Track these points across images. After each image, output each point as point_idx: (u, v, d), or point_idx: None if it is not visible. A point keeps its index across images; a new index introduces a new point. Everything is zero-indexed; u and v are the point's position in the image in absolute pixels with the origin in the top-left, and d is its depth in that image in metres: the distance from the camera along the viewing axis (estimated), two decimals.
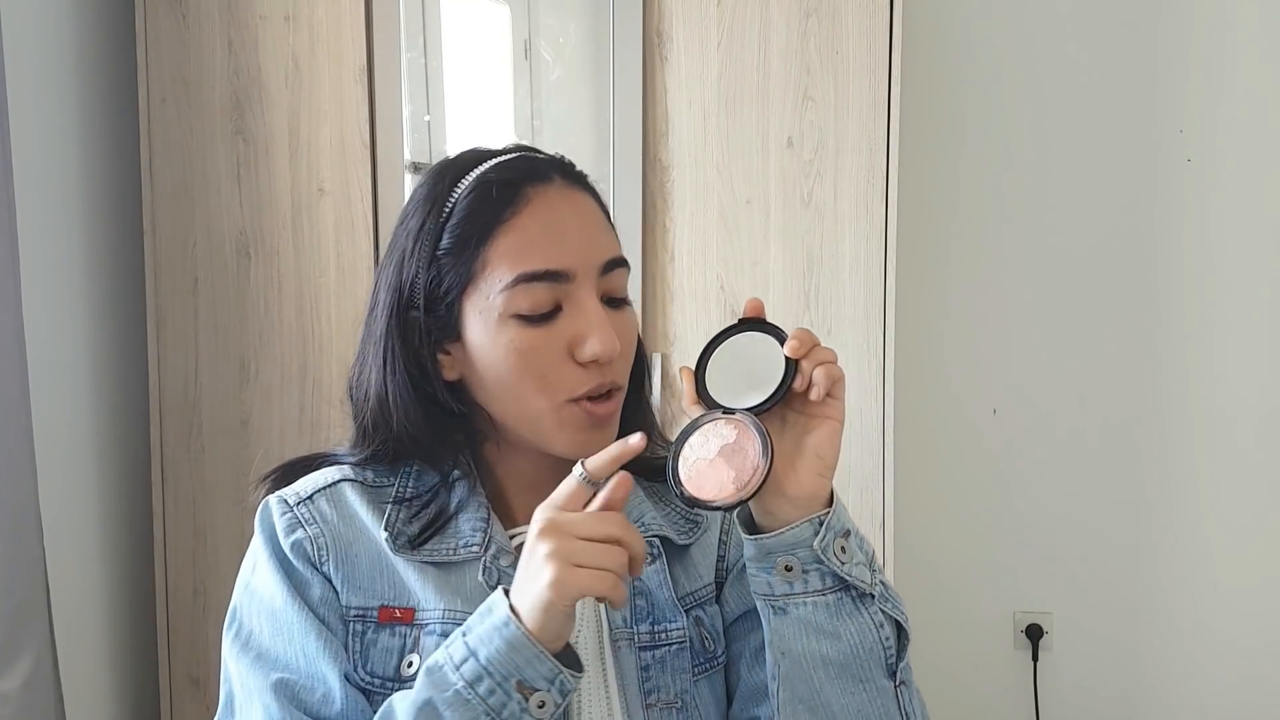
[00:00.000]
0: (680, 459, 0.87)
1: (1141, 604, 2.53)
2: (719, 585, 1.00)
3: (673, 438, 0.90)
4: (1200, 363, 2.47)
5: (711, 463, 0.86)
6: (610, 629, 0.93)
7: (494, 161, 0.94)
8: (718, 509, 0.86)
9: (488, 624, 0.82)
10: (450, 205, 0.92)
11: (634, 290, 2.00)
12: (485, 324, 0.91)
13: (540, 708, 0.80)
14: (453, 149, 2.14)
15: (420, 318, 0.93)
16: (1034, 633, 2.53)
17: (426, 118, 2.16)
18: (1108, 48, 2.45)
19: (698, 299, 2.06)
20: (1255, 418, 2.47)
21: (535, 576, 0.80)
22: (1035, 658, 2.54)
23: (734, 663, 0.99)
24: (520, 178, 0.92)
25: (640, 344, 1.01)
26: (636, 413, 1.01)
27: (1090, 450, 2.51)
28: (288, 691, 0.88)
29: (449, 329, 0.93)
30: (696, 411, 0.89)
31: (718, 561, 1.01)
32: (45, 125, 2.00)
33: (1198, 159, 2.44)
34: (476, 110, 2.23)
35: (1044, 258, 2.49)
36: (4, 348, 1.76)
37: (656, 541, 0.97)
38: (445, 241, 0.92)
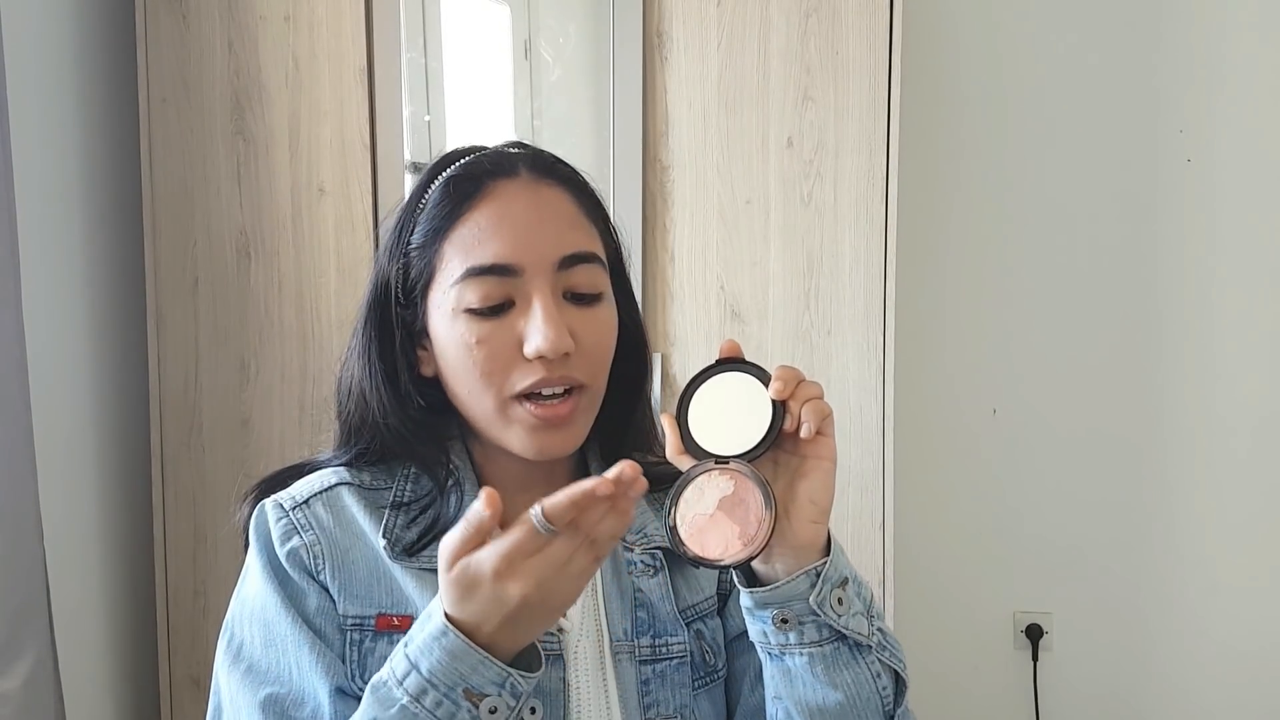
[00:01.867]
0: (678, 515, 0.84)
1: (1141, 604, 2.53)
2: (721, 598, 0.99)
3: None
4: (1200, 363, 2.47)
5: (712, 517, 0.83)
6: (611, 641, 0.92)
7: (468, 159, 0.94)
8: (725, 567, 0.84)
9: (426, 633, 0.79)
10: (424, 201, 0.93)
11: (634, 290, 2.00)
12: (442, 318, 0.91)
13: (492, 713, 0.77)
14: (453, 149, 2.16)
15: (396, 312, 0.93)
16: (1034, 633, 2.53)
17: (426, 118, 2.16)
18: (1107, 48, 2.45)
19: (698, 299, 2.06)
20: (1255, 418, 2.47)
21: (527, 626, 0.78)
22: (1035, 658, 2.54)
23: (736, 679, 0.98)
24: (483, 172, 0.91)
25: (646, 346, 1.00)
26: (631, 418, 0.99)
27: (1090, 450, 2.51)
28: (277, 707, 0.87)
29: (419, 324, 0.93)
30: (683, 462, 0.85)
31: (720, 574, 0.99)
32: (45, 125, 2.00)
33: (1198, 159, 2.44)
34: (476, 110, 2.23)
35: (1044, 258, 2.49)
36: (4, 348, 1.76)
37: (659, 554, 0.96)
38: (415, 236, 0.92)
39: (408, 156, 2.09)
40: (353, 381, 0.96)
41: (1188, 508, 2.50)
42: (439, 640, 0.78)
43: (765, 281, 2.05)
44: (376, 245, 2.18)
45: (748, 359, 0.87)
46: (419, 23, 2.13)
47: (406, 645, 0.80)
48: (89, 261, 2.12)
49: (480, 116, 2.23)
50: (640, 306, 2.01)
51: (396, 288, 0.93)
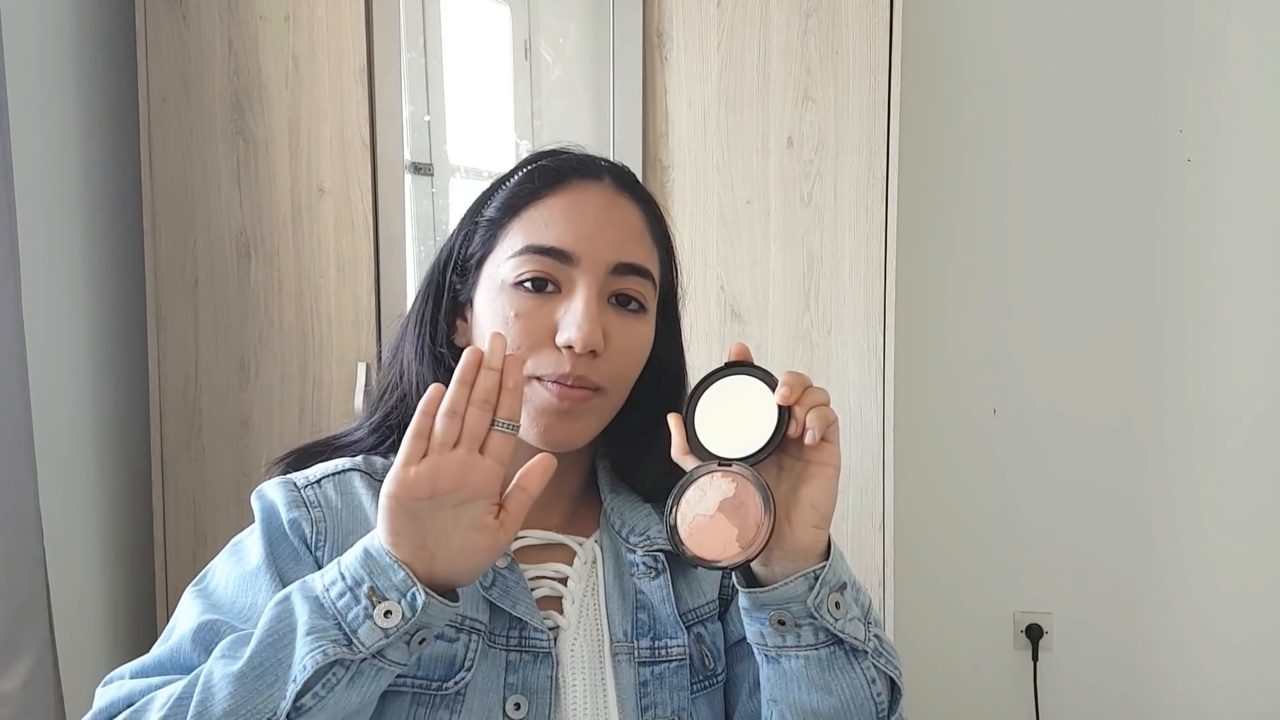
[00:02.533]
0: (679, 515, 0.85)
1: (1141, 604, 2.53)
2: (723, 603, 0.99)
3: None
4: (1200, 362, 2.47)
5: (712, 519, 0.84)
6: (611, 642, 0.93)
7: (563, 156, 0.98)
8: (723, 568, 0.85)
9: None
10: (507, 183, 0.97)
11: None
12: (490, 289, 0.93)
13: (386, 616, 0.78)
14: (453, 149, 2.16)
15: (450, 278, 0.97)
16: (1034, 633, 2.54)
17: (426, 118, 2.16)
18: (1108, 48, 2.45)
19: (698, 299, 2.06)
20: (1255, 417, 2.47)
21: (420, 512, 0.80)
22: (1035, 658, 2.54)
23: (734, 685, 0.98)
24: (570, 169, 0.95)
25: (683, 384, 1.01)
26: (652, 443, 0.98)
27: (1090, 450, 2.51)
28: (209, 634, 0.86)
29: (467, 293, 0.96)
30: (688, 461, 0.86)
31: (722, 578, 1.00)
32: (45, 125, 2.00)
33: (1198, 159, 2.44)
34: (476, 110, 2.22)
35: (1044, 257, 2.49)
36: (4, 348, 1.76)
37: (661, 556, 0.96)
38: (488, 210, 0.96)
39: (408, 156, 2.09)
40: (399, 341, 0.99)
41: (1188, 507, 2.50)
42: (364, 542, 0.80)
43: (765, 281, 2.05)
44: (376, 246, 2.20)
45: (756, 363, 0.87)
46: (419, 23, 2.13)
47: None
48: (89, 261, 2.12)
49: (480, 116, 2.23)
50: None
51: (458, 255, 0.96)
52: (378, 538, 0.80)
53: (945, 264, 2.50)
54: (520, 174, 0.96)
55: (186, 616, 0.89)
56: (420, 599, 0.78)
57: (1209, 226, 2.45)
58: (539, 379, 0.91)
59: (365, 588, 0.78)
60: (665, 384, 1.00)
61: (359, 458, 0.98)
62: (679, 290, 1.02)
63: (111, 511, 2.16)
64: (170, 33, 2.05)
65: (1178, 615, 2.52)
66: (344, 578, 0.79)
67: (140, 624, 2.18)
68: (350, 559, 0.80)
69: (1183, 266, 2.46)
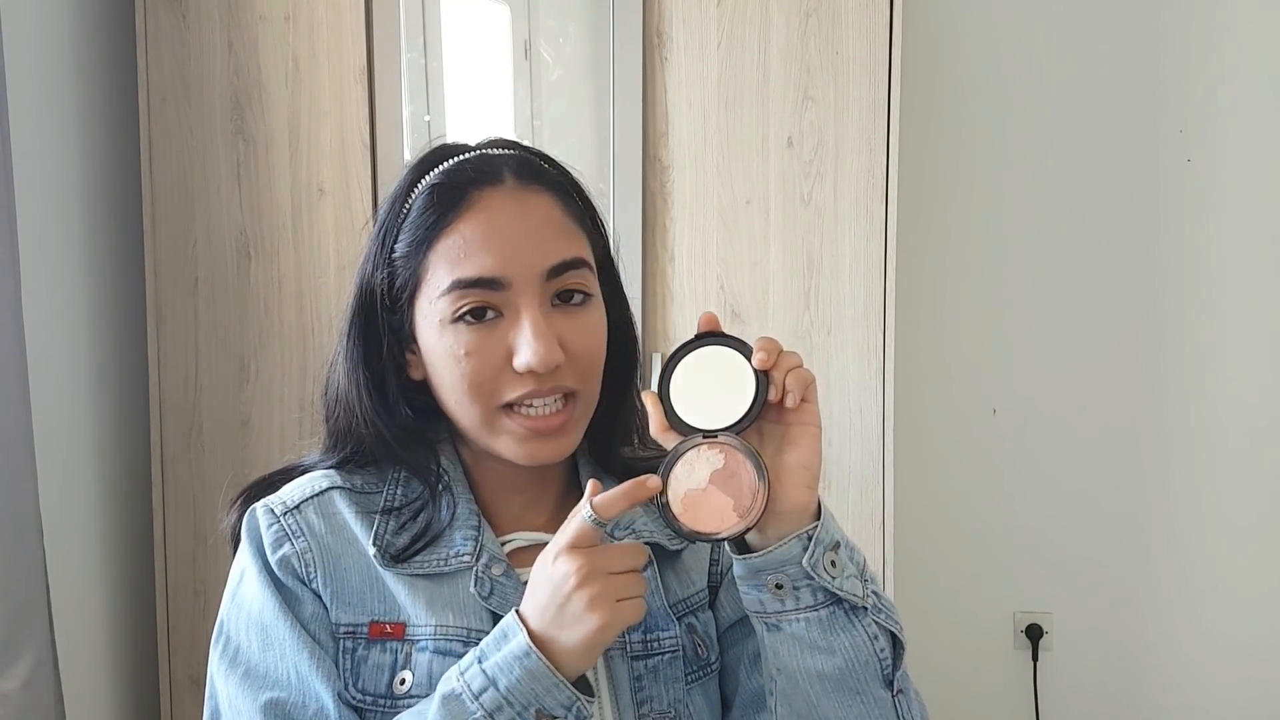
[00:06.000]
0: (669, 493, 0.84)
1: (1141, 604, 2.53)
2: (713, 590, 0.99)
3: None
4: (1200, 363, 2.47)
5: (705, 491, 0.83)
6: None
7: (451, 162, 0.93)
8: (723, 540, 0.84)
9: (506, 651, 0.81)
10: (408, 205, 0.92)
11: (634, 290, 1.99)
12: (430, 327, 0.91)
13: None
14: None
15: (382, 317, 0.93)
16: (1034, 633, 2.53)
17: (426, 118, 2.16)
18: (1108, 48, 2.45)
19: (697, 299, 2.06)
20: (1255, 417, 2.47)
21: (578, 620, 0.81)
22: (1035, 658, 2.54)
23: (732, 668, 0.97)
24: (468, 181, 0.91)
25: (636, 341, 1.00)
26: (620, 413, 0.99)
27: (1090, 450, 2.51)
28: (278, 710, 0.87)
29: (407, 329, 0.93)
30: (668, 439, 0.85)
31: (710, 566, 1.00)
32: (45, 125, 2.00)
33: (1198, 159, 2.44)
34: (476, 110, 2.22)
35: (1044, 258, 2.49)
36: (4, 348, 1.76)
37: (648, 549, 0.95)
38: (400, 243, 0.92)
39: (407, 156, 2.09)
40: (339, 389, 0.95)
41: (1188, 507, 2.50)
42: (521, 660, 0.80)
43: (765, 281, 2.05)
44: None
45: (726, 331, 0.87)
46: (419, 23, 2.13)
47: (481, 660, 0.82)
48: (89, 261, 2.12)
49: (480, 116, 2.23)
50: (640, 306, 1.99)
51: (382, 295, 0.93)
52: (536, 655, 0.81)
53: (945, 264, 2.50)
54: (420, 198, 0.91)
55: (239, 702, 0.89)
56: (585, 710, 0.82)
57: (1209, 227, 2.45)
58: (509, 407, 0.90)
59: (533, 710, 0.80)
60: (620, 346, 0.97)
61: (334, 472, 0.96)
62: (611, 245, 0.98)
63: (111, 512, 2.16)
64: (170, 33, 2.05)
65: (1177, 615, 2.52)
66: (510, 704, 0.81)
67: (140, 624, 2.18)
68: (509, 680, 0.81)
69: (1182, 266, 2.46)
